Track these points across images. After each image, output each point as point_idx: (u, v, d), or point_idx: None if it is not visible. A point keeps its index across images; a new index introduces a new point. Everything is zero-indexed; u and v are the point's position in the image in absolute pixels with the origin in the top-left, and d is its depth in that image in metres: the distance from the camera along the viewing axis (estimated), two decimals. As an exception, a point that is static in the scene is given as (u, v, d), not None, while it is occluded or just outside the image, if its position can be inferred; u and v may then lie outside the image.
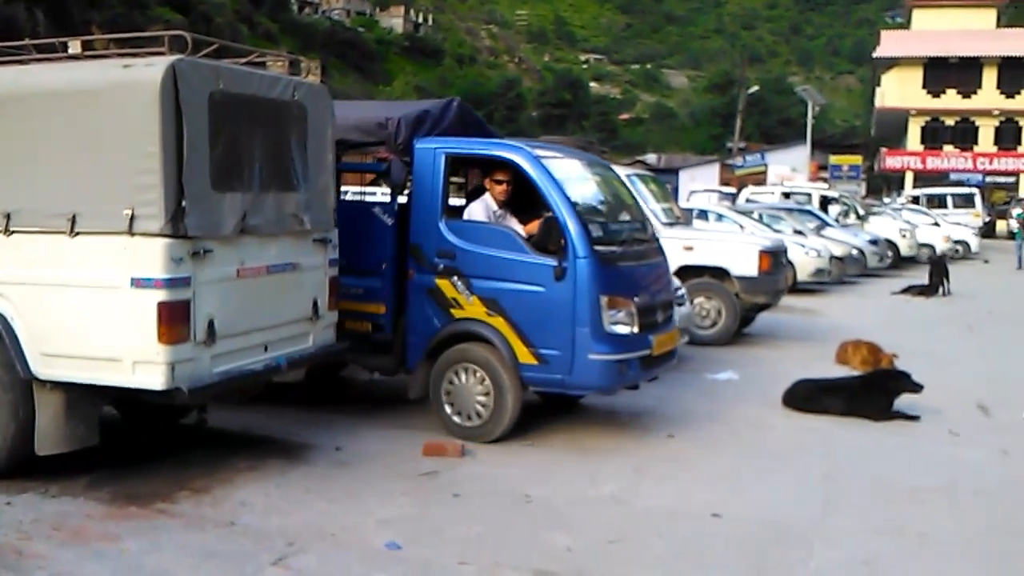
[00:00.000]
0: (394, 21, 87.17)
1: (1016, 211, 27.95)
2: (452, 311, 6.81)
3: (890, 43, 49.79)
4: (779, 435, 7.24)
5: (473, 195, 7.62)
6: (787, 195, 24.55)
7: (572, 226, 6.53)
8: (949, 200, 35.16)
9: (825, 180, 40.07)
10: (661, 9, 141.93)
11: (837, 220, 22.16)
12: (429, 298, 6.88)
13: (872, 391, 7.84)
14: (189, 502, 5.36)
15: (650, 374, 7.11)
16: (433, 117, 7.27)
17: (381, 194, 8.13)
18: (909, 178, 46.70)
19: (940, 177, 44.45)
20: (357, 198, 8.42)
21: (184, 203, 5.13)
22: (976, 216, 33.99)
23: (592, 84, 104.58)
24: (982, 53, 46.77)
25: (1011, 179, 46.29)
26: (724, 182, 39.95)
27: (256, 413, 7.15)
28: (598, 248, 6.57)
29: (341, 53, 67.85)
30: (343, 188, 7.72)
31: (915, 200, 34.47)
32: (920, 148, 48.13)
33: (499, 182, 7.15)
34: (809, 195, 24.34)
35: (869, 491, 6.02)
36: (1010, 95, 46.96)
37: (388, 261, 7.03)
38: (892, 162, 48.58)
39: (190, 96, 5.15)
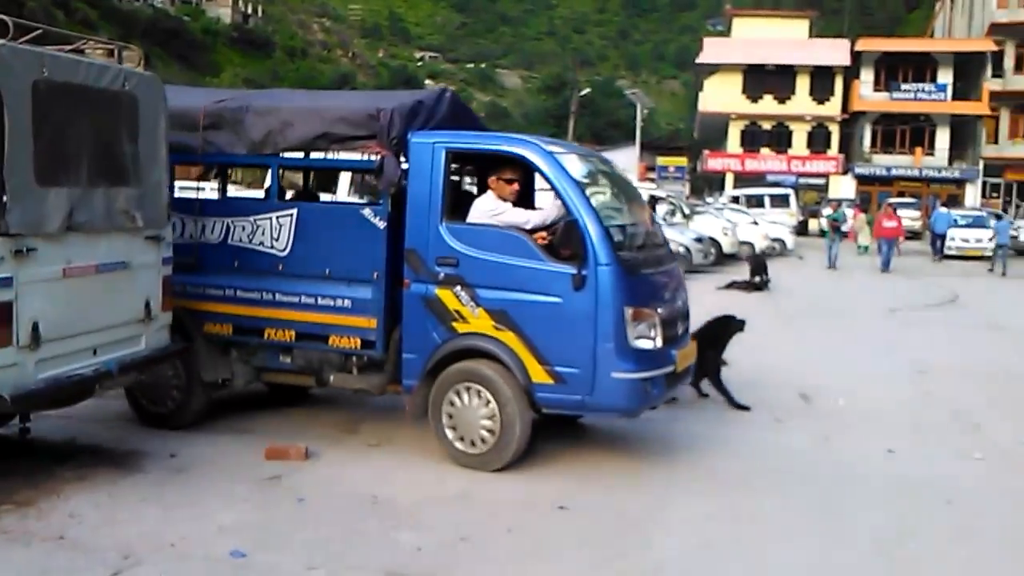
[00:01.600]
0: (221, 11, 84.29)
1: (826, 211, 29.76)
2: (455, 325, 6.16)
3: (712, 50, 52.07)
4: (619, 427, 7.46)
5: (466, 198, 6.92)
6: None
7: (593, 230, 5.90)
8: (766, 200, 37.10)
9: (653, 180, 41.62)
10: (495, 9, 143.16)
11: (664, 219, 22.99)
12: (428, 310, 6.21)
13: (704, 343, 7.76)
14: (12, 516, 5.03)
15: (672, 393, 6.64)
16: (427, 109, 6.67)
17: (211, 189, 7.66)
18: (729, 179, 48.95)
19: (758, 178, 46.80)
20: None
21: (5, 198, 4.82)
22: (791, 215, 36.02)
23: (427, 82, 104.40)
24: (796, 62, 49.59)
25: (821, 180, 49.27)
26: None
27: (83, 421, 6.78)
28: (621, 254, 5.99)
29: (164, 42, 65.05)
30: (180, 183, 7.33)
31: (735, 200, 36.19)
32: (740, 150, 50.56)
33: (507, 181, 6.49)
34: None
35: (704, 478, 6.29)
36: (820, 101, 50.00)
37: (380, 269, 6.34)
38: (714, 164, 50.82)
39: (12, 84, 4.83)
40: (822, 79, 49.75)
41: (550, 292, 5.92)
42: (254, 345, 6.82)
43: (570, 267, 5.88)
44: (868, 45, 49.59)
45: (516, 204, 6.52)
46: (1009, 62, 48.31)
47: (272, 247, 6.58)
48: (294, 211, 6.60)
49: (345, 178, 13.16)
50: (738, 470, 6.51)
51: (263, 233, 6.59)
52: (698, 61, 52.84)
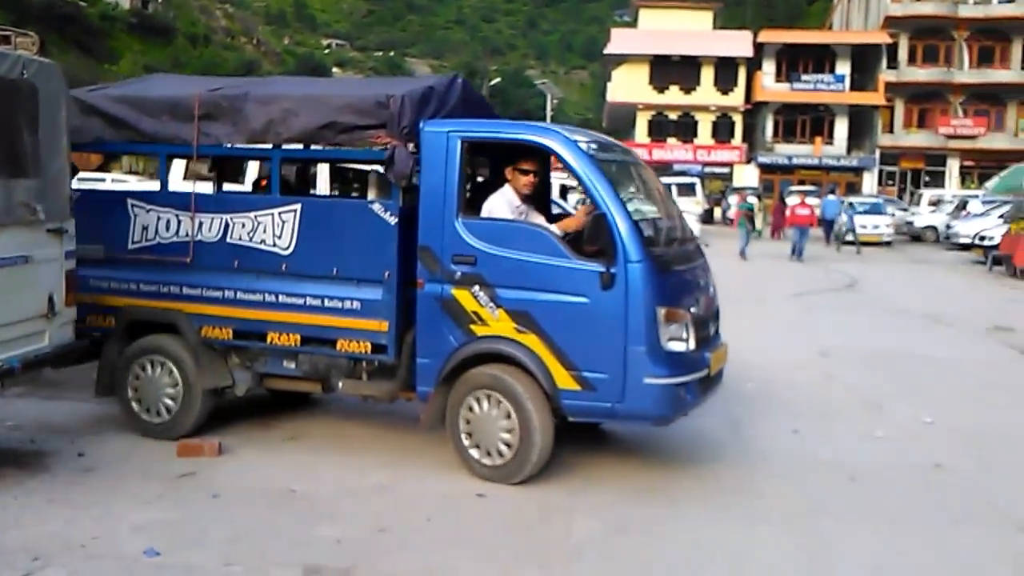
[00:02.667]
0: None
1: (733, 199, 30.39)
2: (473, 327, 5.78)
3: (619, 41, 52.64)
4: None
5: (481, 189, 6.55)
6: None
7: (622, 224, 5.49)
8: (674, 189, 37.66)
9: (563, 170, 41.84)
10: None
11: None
12: (444, 312, 5.83)
13: None
14: (-90, 523, 4.82)
15: (706, 399, 6.14)
16: (438, 96, 6.27)
17: (112, 180, 7.39)
18: (638, 168, 49.56)
19: (665, 167, 47.53)
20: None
21: None
22: (697, 204, 36.70)
23: (335, 70, 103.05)
24: (700, 52, 50.53)
25: (726, 170, 50.36)
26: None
27: (-17, 421, 6.54)
28: (652, 250, 5.60)
29: (60, 29, 62.68)
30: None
31: (644, 189, 36.66)
32: (647, 140, 51.25)
33: (524, 172, 6.11)
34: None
35: (619, 463, 6.41)
36: (724, 92, 51.04)
37: (391, 268, 5.94)
38: (623, 153, 51.35)
39: (-100, 71, 4.60)
40: (726, 70, 50.79)
41: (576, 291, 5.54)
42: (256, 350, 6.47)
43: (597, 264, 5.51)
44: (770, 37, 50.77)
45: (531, 198, 6.29)
46: (903, 54, 50.07)
47: (275, 246, 6.23)
48: (298, 207, 6.23)
49: (253, 167, 12.30)
50: (651, 453, 6.65)
51: (264, 231, 6.24)
52: (606, 52, 53.37)
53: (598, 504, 5.59)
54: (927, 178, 49.93)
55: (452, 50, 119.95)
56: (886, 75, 49.31)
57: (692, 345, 5.72)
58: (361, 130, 6.06)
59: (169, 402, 6.52)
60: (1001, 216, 26.08)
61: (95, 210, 6.57)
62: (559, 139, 5.86)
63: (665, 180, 40.27)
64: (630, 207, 5.76)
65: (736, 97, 50.96)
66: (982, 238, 25.34)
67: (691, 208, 33.97)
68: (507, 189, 6.15)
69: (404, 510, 5.35)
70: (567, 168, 5.80)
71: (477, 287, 5.77)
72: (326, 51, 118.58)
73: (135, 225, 6.59)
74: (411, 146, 5.97)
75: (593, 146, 6.02)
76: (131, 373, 6.58)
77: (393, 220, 5.95)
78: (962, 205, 32.63)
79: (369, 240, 5.99)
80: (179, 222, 6.47)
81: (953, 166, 49.71)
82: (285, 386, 6.68)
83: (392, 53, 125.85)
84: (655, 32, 51.58)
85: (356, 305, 6.03)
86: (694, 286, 6.12)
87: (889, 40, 49.07)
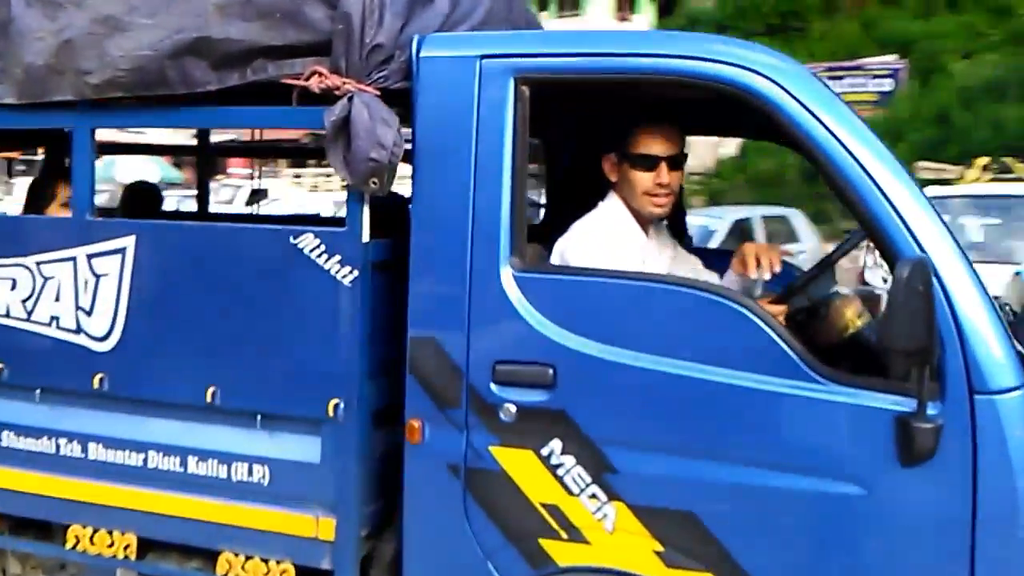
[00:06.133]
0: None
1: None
2: (546, 546, 2.59)
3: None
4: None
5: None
6: None
7: (969, 291, 2.34)
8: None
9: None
10: None
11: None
12: (473, 501, 2.65)
13: None
14: None
15: None
16: None
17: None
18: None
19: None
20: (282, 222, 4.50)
21: None
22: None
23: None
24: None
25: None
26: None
27: None
28: None
29: None
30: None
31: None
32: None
33: (650, 163, 2.79)
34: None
35: None
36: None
37: (347, 390, 2.75)
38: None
39: None
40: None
41: (834, 466, 2.37)
42: (49, 560, 3.32)
43: (890, 397, 2.31)
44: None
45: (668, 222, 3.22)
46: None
47: (77, 330, 3.04)
48: (129, 242, 2.97)
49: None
50: None
51: (55, 296, 3.07)
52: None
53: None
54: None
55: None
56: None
57: None
58: (274, 59, 2.78)
59: None
60: None
61: None
62: (784, 71, 2.48)
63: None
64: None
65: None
66: None
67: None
68: (612, 203, 2.88)
69: None
70: (809, 150, 2.43)
71: (558, 443, 2.56)
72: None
73: None
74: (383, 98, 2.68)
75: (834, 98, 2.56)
76: None
77: (350, 274, 2.71)
78: None
79: (296, 322, 2.79)
80: None
81: None
82: None
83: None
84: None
85: (263, 476, 2.87)
86: None
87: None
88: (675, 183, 2.85)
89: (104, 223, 3.10)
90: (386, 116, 2.61)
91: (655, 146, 2.78)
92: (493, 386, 2.60)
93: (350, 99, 2.62)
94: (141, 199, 4.78)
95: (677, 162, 2.84)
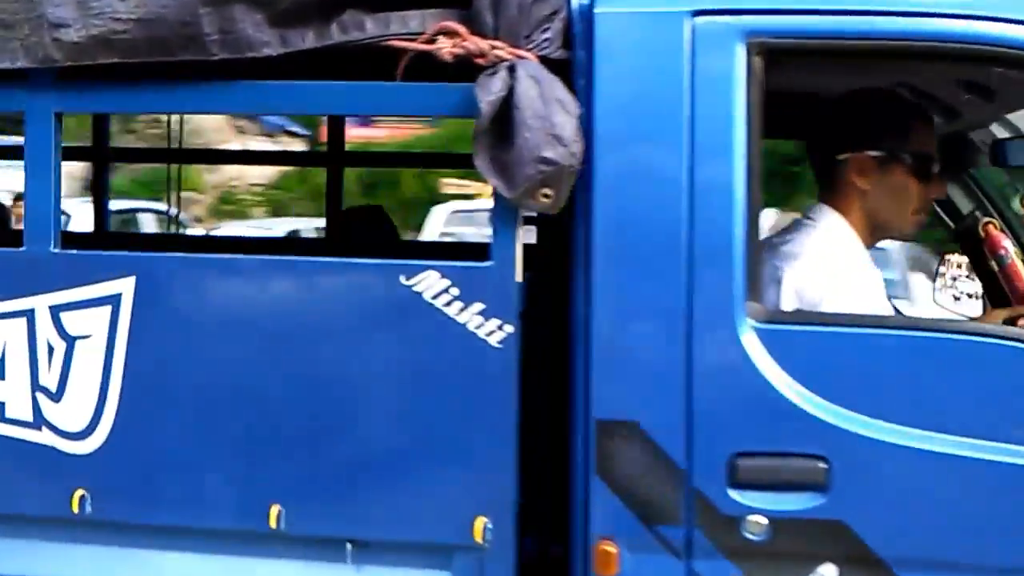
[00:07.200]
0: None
1: None
2: None
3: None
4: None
5: None
6: None
7: None
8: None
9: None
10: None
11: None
12: None
13: None
14: None
15: None
16: None
17: None
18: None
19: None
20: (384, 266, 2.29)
21: None
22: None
23: None
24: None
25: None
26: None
27: None
28: None
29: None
30: None
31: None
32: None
33: (919, 164, 2.07)
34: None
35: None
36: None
37: (497, 505, 1.88)
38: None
39: None
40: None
41: None
42: None
43: None
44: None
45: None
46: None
47: (38, 423, 2.00)
48: (125, 285, 1.95)
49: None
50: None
51: (13, 369, 2.02)
52: None
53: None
54: None
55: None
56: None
57: None
58: (373, 10, 1.88)
59: None
60: None
61: None
62: None
63: None
64: None
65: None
66: None
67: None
68: (833, 221, 2.06)
69: None
70: None
71: (832, 570, 1.81)
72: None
73: None
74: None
75: None
76: None
77: (499, 331, 1.84)
78: None
79: (413, 403, 1.93)
80: None
81: None
82: None
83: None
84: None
85: None
86: None
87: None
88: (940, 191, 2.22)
89: (79, 258, 2.04)
90: (562, 97, 1.78)
91: (934, 147, 2.07)
92: (732, 491, 1.81)
93: (511, 70, 1.75)
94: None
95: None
